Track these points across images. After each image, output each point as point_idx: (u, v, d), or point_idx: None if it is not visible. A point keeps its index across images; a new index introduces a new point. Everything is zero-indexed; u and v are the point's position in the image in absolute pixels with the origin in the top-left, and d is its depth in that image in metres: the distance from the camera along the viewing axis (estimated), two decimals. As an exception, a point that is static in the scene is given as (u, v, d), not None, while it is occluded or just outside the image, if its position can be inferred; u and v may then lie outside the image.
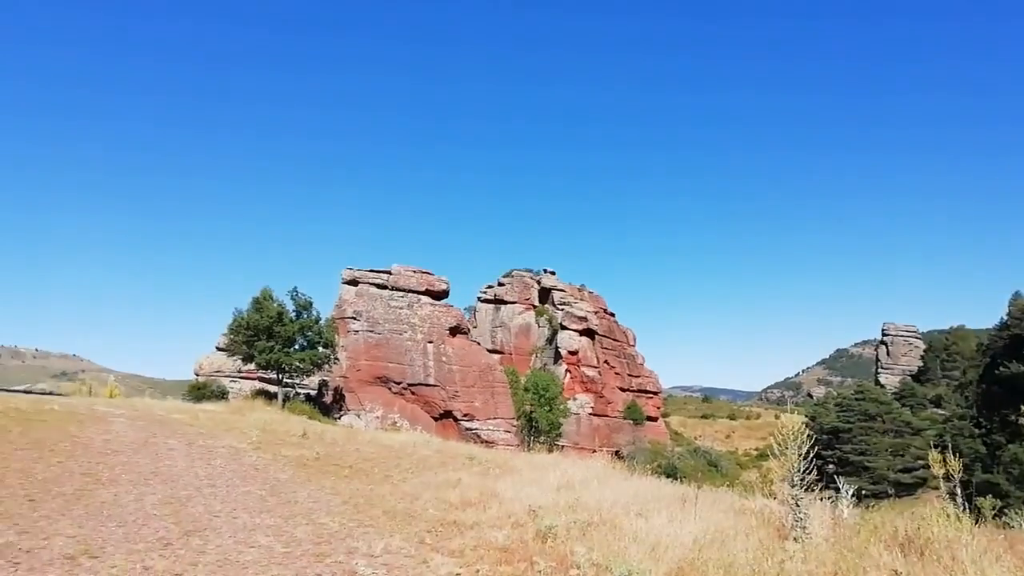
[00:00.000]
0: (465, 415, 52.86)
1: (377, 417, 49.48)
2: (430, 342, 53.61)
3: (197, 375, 46.83)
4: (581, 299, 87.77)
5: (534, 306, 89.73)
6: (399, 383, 52.40)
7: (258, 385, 41.69)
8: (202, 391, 38.66)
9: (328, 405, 47.70)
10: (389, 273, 55.93)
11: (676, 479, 19.81)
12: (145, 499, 10.12)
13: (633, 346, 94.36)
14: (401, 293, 55.16)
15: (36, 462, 11.84)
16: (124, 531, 8.21)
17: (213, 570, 7.03)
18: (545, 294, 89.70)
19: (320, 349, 38.73)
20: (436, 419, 52.53)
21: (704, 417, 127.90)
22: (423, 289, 56.09)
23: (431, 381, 52.77)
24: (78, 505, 9.31)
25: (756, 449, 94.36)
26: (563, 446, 58.18)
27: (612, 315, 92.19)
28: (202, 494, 10.87)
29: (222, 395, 38.44)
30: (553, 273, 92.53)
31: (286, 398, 38.03)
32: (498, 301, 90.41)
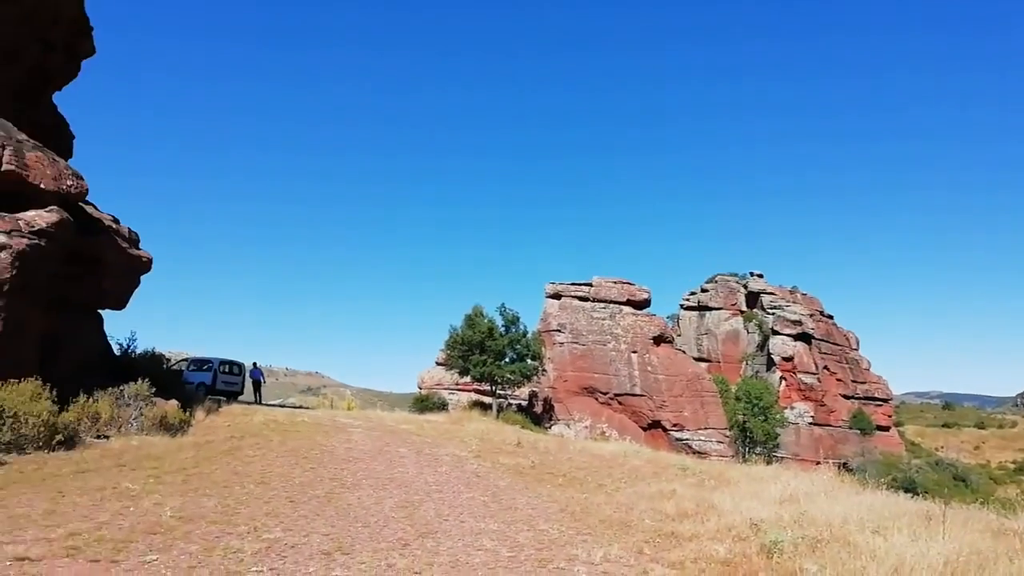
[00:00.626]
0: (675, 425, 51.77)
1: (586, 427, 50.03)
2: (634, 352, 53.28)
3: (420, 388, 50.41)
4: (793, 302, 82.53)
5: (741, 311, 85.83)
6: (605, 393, 52.60)
7: (474, 396, 43.97)
8: (425, 403, 41.53)
9: (538, 415, 49.07)
10: (590, 285, 56.49)
11: (916, 494, 17.92)
12: (384, 502, 11.11)
13: (856, 350, 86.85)
14: (603, 304, 55.48)
15: (293, 467, 13.48)
16: (368, 531, 9.09)
17: (447, 570, 7.56)
18: (753, 298, 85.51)
19: (529, 361, 40.02)
20: (645, 429, 51.99)
21: (946, 426, 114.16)
22: (624, 299, 55.97)
23: (637, 391, 52.38)
24: (329, 507, 10.46)
25: (1013, 462, 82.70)
26: (782, 457, 54.88)
27: (830, 317, 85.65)
28: (432, 499, 11.71)
29: (443, 406, 41.01)
30: (760, 276, 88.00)
31: (500, 409, 39.74)
32: (702, 308, 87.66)
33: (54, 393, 13.75)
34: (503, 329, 39.87)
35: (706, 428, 52.43)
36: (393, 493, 11.94)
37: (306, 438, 17.21)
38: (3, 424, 12.33)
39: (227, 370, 28.01)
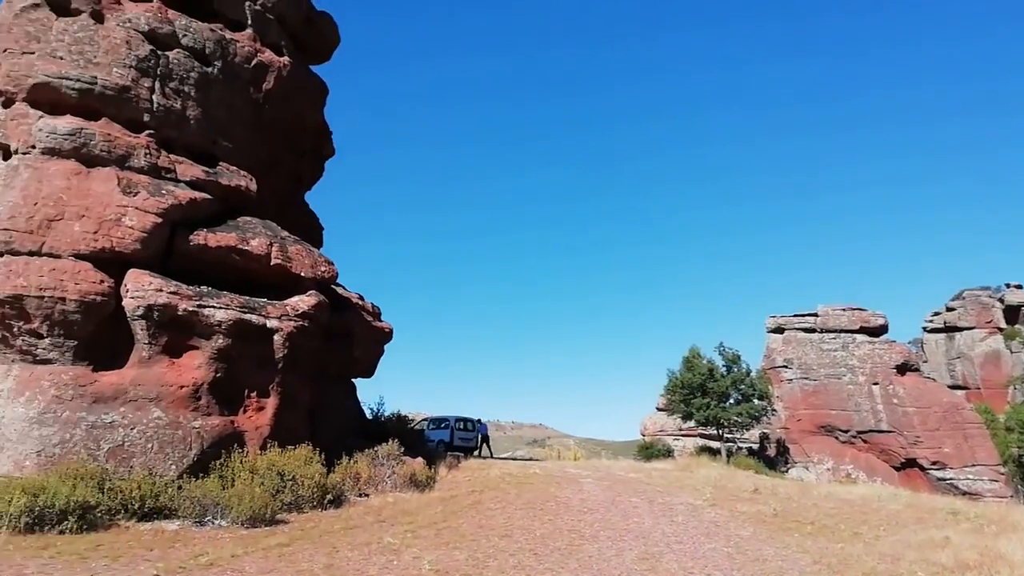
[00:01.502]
0: (934, 463, 45.98)
1: (828, 469, 46.10)
2: (875, 383, 48.50)
3: (643, 435, 49.85)
4: (1070, 312, 70.63)
5: (999, 329, 74.98)
6: (846, 431, 48.22)
7: (700, 442, 42.60)
8: (650, 450, 40.96)
9: (772, 458, 46.22)
10: (816, 315, 52.72)
11: None
12: (624, 554, 11.13)
13: None
14: (832, 335, 51.39)
15: (532, 520, 13.95)
16: (615, 583, 9.17)
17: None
18: (1013, 312, 74.44)
19: (756, 401, 38.11)
20: (897, 469, 46.74)
21: None
22: (857, 327, 51.43)
23: (884, 427, 47.42)
24: (571, 559, 10.70)
25: None
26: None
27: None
28: (672, 550, 11.52)
29: (668, 453, 40.16)
30: (1020, 287, 76.61)
31: (729, 453, 38.08)
32: (950, 328, 77.80)
33: (322, 456, 15.51)
34: (724, 369, 38.44)
35: (974, 465, 45.97)
36: (632, 545, 11.92)
37: (540, 490, 17.72)
38: (285, 487, 14.11)
39: (463, 427, 29.78)
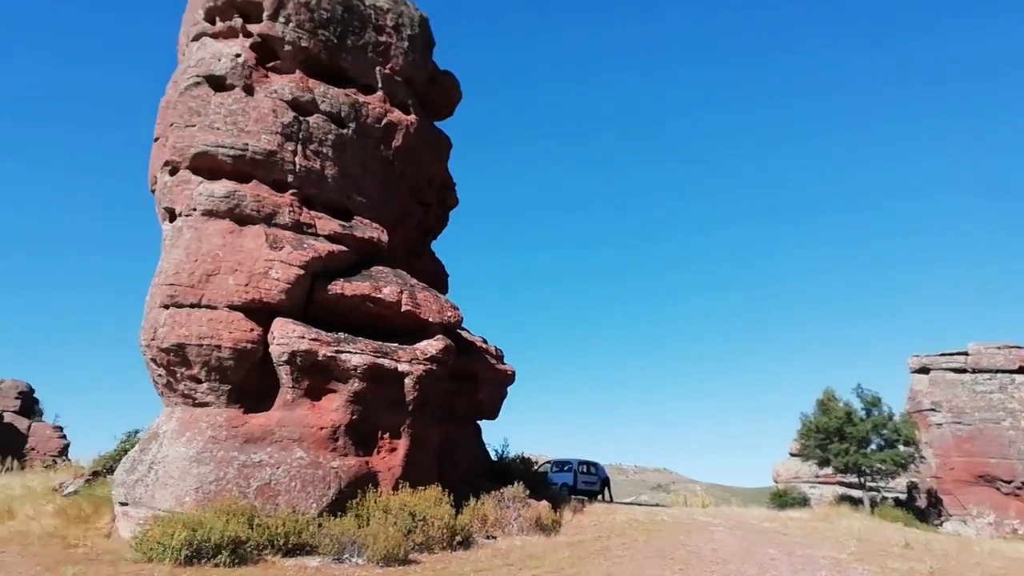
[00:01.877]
0: (1120, 520, 40.75)
1: (990, 523, 41.85)
2: (1042, 429, 43.85)
3: (776, 482, 47.27)
4: None
5: None
6: (1009, 482, 43.68)
7: (839, 490, 39.88)
8: (784, 498, 38.79)
9: (922, 510, 42.50)
10: (966, 354, 48.57)
11: None
12: (763, 608, 10.64)
13: None
14: (987, 375, 47.07)
15: (663, 569, 13.60)
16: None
17: None
18: None
19: (901, 448, 35.38)
20: (1075, 526, 41.69)
21: None
22: (1016, 367, 46.85)
23: (1056, 477, 42.63)
24: (707, 610, 10.33)
25: None
26: None
27: None
28: (815, 607, 10.88)
29: (804, 502, 37.88)
30: None
31: (873, 503, 35.43)
32: None
33: (450, 497, 15.85)
34: (863, 412, 36.06)
35: None
36: (771, 599, 11.36)
37: (670, 537, 17.24)
38: (416, 527, 14.51)
39: (586, 470, 29.52)
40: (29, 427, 46.74)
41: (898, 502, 41.82)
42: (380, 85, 18.60)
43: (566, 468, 29.33)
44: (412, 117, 19.26)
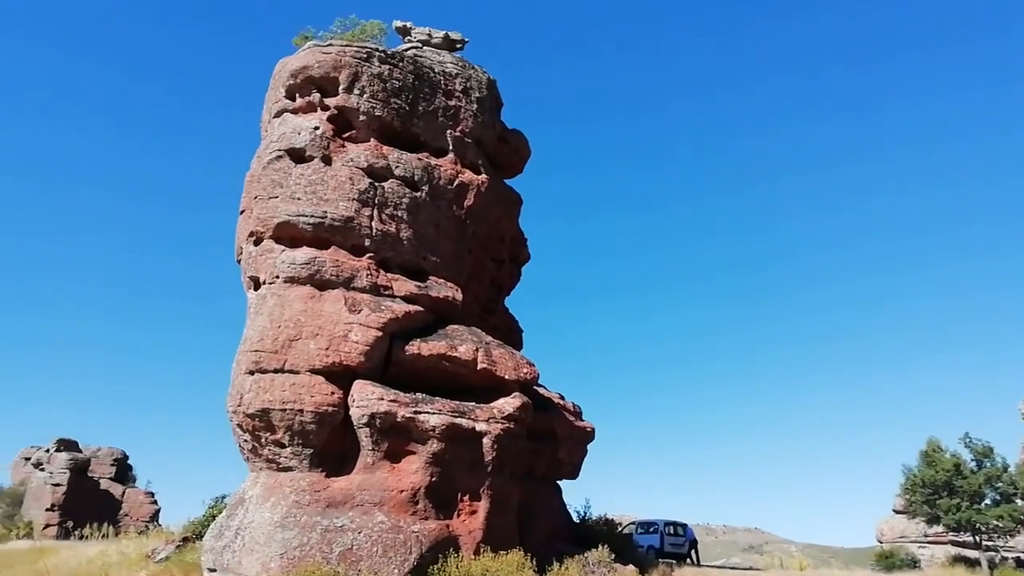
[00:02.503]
0: None
1: None
2: None
3: (880, 541, 44.18)
4: None
5: None
6: None
7: (952, 550, 36.85)
8: (890, 560, 36.07)
9: (1049, 572, 38.73)
10: (1085, 397, 44.86)
11: None
12: None
13: None
14: (1111, 419, 43.25)
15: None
16: None
17: None
18: None
19: (1019, 502, 32.57)
20: None
21: None
22: None
23: None
24: None
25: None
26: None
27: None
28: None
29: (913, 563, 35.18)
30: None
31: (992, 564, 32.53)
32: None
33: (533, 562, 15.37)
34: (973, 464, 33.49)
35: None
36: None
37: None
38: (499, 592, 14.08)
39: (672, 531, 28.29)
40: (123, 493, 48.51)
41: (1019, 562, 38.31)
42: (451, 147, 19.03)
43: (652, 529, 28.20)
44: (483, 177, 19.56)
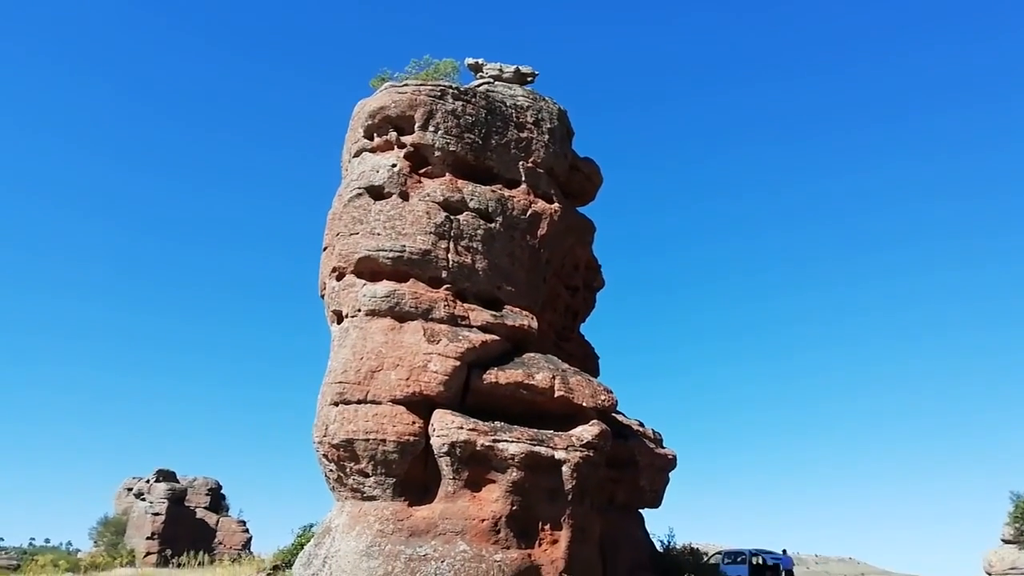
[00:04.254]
0: None
1: None
2: None
3: (988, 573, 41.34)
4: None
5: None
6: None
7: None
8: (1001, 595, 33.77)
9: None
10: None
11: None
12: None
13: None
14: None
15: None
16: None
17: None
18: None
19: None
20: None
21: None
22: None
23: None
24: None
25: None
26: None
27: None
28: None
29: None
30: None
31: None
32: None
33: (618, 593, 15.15)
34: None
35: None
36: None
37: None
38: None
39: (761, 561, 27.29)
40: (217, 522, 50.39)
41: None
42: (524, 178, 19.30)
43: (739, 559, 27.30)
44: (555, 206, 19.74)
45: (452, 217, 17.46)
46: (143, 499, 48.62)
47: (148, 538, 45.76)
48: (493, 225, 18.10)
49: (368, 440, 15.30)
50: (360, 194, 17.63)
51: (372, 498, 15.64)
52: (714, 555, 28.14)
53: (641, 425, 22.25)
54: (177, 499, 48.46)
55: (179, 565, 27.90)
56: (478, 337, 16.70)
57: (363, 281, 16.91)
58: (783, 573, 28.81)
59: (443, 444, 15.27)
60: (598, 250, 24.16)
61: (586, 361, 22.98)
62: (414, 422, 15.57)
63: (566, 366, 18.18)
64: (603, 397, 17.83)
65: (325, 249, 18.47)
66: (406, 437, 15.36)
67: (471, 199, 17.93)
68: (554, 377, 17.10)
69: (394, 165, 17.74)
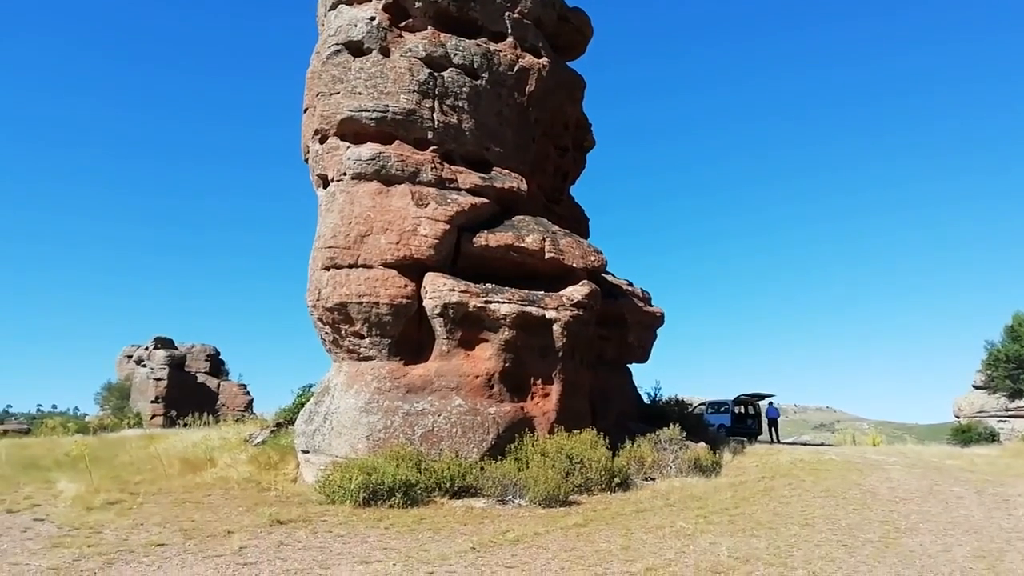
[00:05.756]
0: None
1: None
2: None
3: (957, 417, 43.84)
4: None
5: None
6: None
7: (1033, 424, 36.37)
8: (967, 434, 35.83)
9: None
10: None
11: None
12: (953, 550, 9.92)
13: None
14: None
15: (835, 509, 12.98)
16: (945, 583, 8.19)
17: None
18: None
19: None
20: None
21: None
22: None
23: None
24: (888, 552, 9.77)
25: None
26: None
27: None
28: (1015, 548, 10.01)
29: (992, 437, 34.83)
30: None
31: (1075, 438, 32.02)
32: None
33: (605, 440, 15.92)
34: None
35: None
36: (961, 540, 10.56)
37: (839, 477, 16.44)
38: (574, 469, 14.72)
39: (744, 411, 28.69)
40: (219, 386, 52.05)
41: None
42: (510, 31, 18.36)
43: (723, 409, 28.70)
44: (544, 60, 18.92)
45: (436, 74, 16.74)
46: (144, 365, 49.87)
47: (153, 401, 47.36)
48: (479, 82, 17.41)
49: (361, 303, 15.47)
50: (339, 51, 16.77)
51: (368, 358, 16.04)
52: (698, 406, 29.50)
53: (630, 284, 22.57)
54: (177, 365, 49.73)
55: (185, 425, 29.05)
56: (467, 200, 16.50)
57: (347, 144, 16.44)
58: (767, 421, 30.37)
59: (436, 306, 15.47)
60: (588, 107, 23.47)
61: (576, 223, 22.91)
62: (406, 285, 15.68)
63: (556, 228, 18.13)
64: (593, 258, 17.94)
65: (306, 111, 17.79)
66: (399, 300, 15.53)
67: (455, 54, 17.13)
68: (544, 239, 17.10)
69: (373, 18, 16.77)
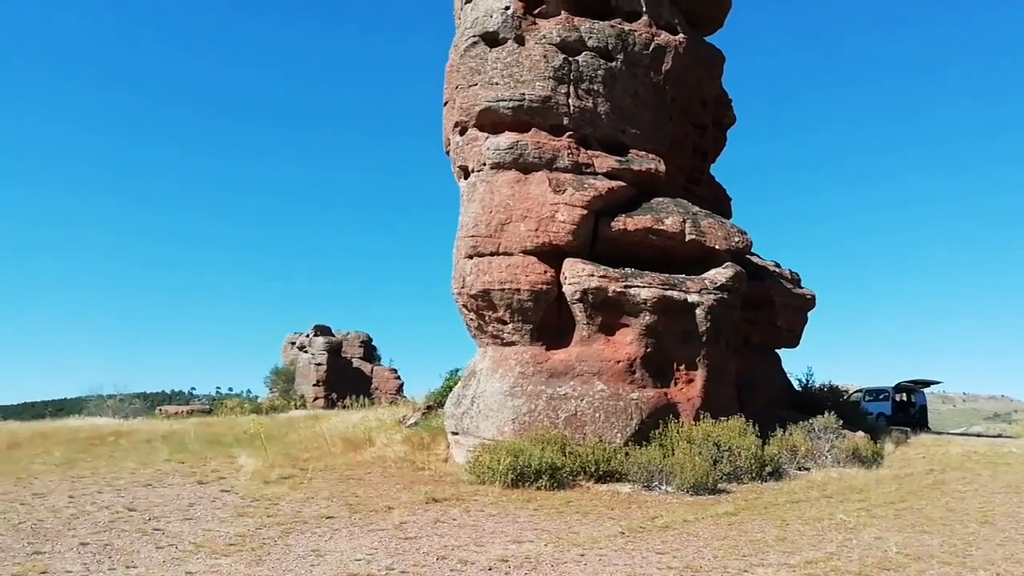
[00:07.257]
0: None
1: None
2: None
3: None
4: None
5: None
6: None
7: None
8: None
9: None
10: None
11: None
12: None
13: None
14: None
15: (1020, 507, 11.84)
16: None
17: None
18: None
19: None
20: None
21: None
22: None
23: None
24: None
25: None
26: None
27: None
28: None
29: None
30: None
31: None
32: None
33: (755, 428, 15.37)
34: None
35: None
36: None
37: (1022, 471, 14.96)
38: (722, 457, 14.34)
39: (904, 399, 26.72)
40: (372, 370, 55.00)
41: None
42: (644, 9, 17.94)
43: (882, 397, 26.84)
44: (680, 36, 18.36)
45: (570, 59, 16.69)
46: (305, 351, 53.59)
47: (315, 385, 50.80)
48: (614, 64, 17.17)
49: (503, 290, 15.81)
50: (475, 42, 17.11)
51: (511, 343, 16.38)
52: (854, 393, 27.77)
53: (777, 266, 21.57)
54: (334, 351, 53.00)
55: (344, 407, 31.04)
56: (604, 184, 16.39)
57: (486, 134, 16.78)
58: (917, 407, 28.12)
59: (575, 291, 15.53)
60: (728, 83, 22.53)
61: (718, 203, 22.16)
62: (546, 271, 15.84)
63: (696, 209, 17.64)
64: (737, 239, 17.31)
65: (446, 104, 18.33)
66: (539, 286, 15.73)
67: (589, 37, 16.98)
68: (684, 221, 16.69)
69: (507, 7, 16.94)
